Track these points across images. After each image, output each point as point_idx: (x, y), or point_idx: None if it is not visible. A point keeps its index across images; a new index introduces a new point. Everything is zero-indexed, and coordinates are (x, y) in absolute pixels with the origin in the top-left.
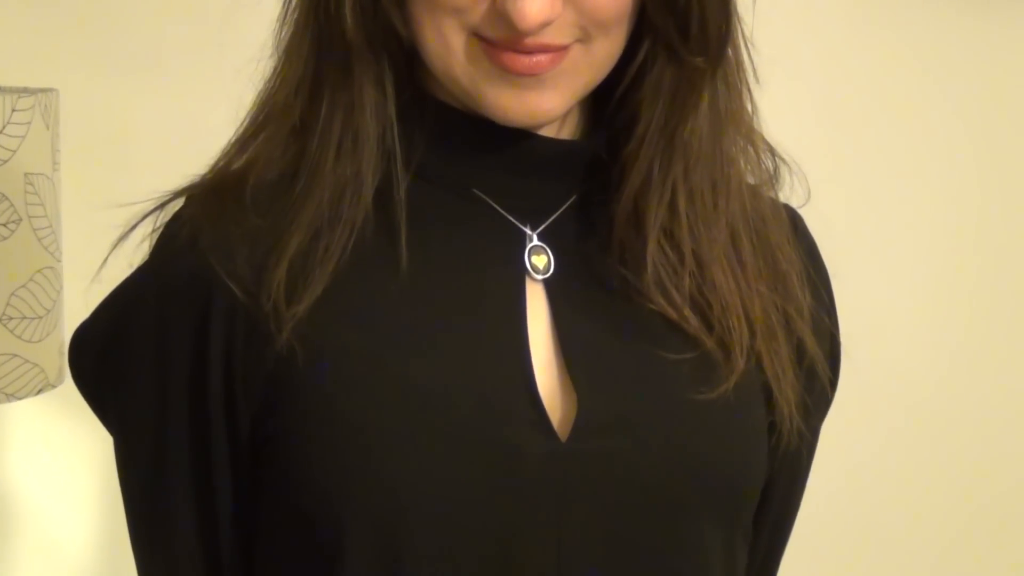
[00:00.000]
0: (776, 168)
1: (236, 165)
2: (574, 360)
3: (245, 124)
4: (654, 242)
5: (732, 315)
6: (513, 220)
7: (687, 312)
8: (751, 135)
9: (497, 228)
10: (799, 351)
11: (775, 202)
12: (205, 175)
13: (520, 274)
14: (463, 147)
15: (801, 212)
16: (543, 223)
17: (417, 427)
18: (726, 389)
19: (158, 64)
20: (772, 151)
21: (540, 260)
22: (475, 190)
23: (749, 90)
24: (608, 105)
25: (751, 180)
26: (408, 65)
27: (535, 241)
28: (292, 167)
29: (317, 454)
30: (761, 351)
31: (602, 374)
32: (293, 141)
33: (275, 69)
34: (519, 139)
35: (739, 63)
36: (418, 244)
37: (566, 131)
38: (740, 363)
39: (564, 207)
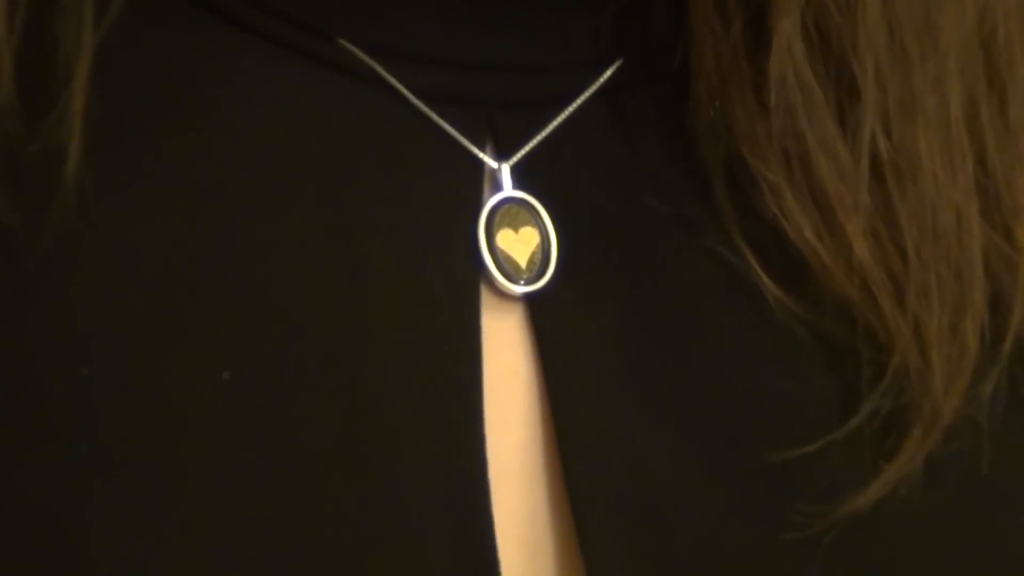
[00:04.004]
0: None
1: None
2: (592, 509)
3: None
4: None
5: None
6: (452, 132)
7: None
8: None
9: (411, 150)
10: None
11: None
12: None
13: (470, 277)
14: None
15: None
16: (527, 142)
17: None
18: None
19: None
20: None
21: (520, 242)
22: (344, 43)
23: None
24: None
25: None
26: None
27: (509, 189)
28: None
29: None
30: None
31: (654, 535)
32: None
33: None
34: None
35: None
36: (186, 188)
37: None
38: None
39: (580, 101)
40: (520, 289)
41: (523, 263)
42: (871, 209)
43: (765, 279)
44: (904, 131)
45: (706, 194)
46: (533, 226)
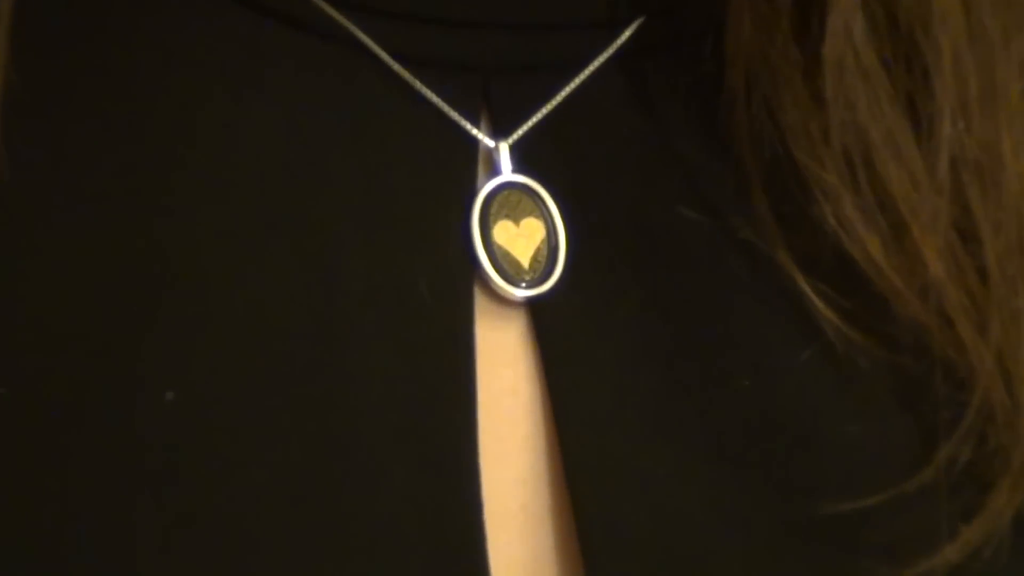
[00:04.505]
0: None
1: None
2: (607, 559)
3: None
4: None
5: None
6: (440, 103)
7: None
8: None
9: (392, 125)
10: None
11: None
12: None
13: (462, 278)
14: None
15: None
16: (529, 116)
17: None
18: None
19: None
20: None
21: (522, 236)
22: (316, 1)
23: None
24: None
25: None
26: None
27: (508, 172)
28: None
29: None
30: None
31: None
32: None
33: None
34: None
35: None
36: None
37: None
38: None
39: (592, 67)
40: (521, 293)
41: (525, 262)
42: (947, 220)
43: (819, 303)
44: (984, 125)
45: (743, 187)
46: (537, 217)
